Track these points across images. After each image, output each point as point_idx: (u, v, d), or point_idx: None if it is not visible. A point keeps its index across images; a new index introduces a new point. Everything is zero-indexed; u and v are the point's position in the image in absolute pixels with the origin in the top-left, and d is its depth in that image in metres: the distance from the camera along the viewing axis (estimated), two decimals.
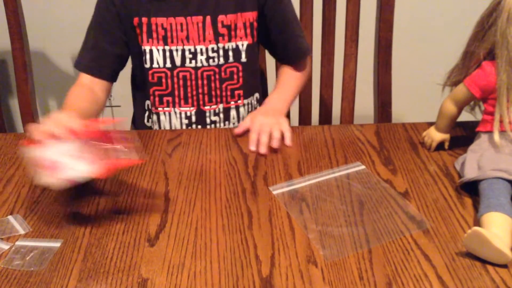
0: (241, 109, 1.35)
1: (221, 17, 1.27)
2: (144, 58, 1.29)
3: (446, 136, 1.13)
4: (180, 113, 1.32)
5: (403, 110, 1.89)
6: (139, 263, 0.88)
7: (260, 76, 1.45)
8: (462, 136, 1.17)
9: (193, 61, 1.28)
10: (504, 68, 0.99)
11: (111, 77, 1.33)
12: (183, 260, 0.88)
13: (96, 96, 1.29)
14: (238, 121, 1.35)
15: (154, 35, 1.27)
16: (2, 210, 1.00)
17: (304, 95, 1.56)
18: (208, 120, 1.33)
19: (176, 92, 1.31)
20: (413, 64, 2.07)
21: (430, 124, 1.16)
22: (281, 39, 1.35)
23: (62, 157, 0.91)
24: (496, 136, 1.00)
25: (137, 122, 1.41)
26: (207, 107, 1.32)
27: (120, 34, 1.29)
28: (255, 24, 1.30)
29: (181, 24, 1.26)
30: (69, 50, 2.09)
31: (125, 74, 1.38)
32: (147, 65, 1.29)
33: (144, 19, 1.26)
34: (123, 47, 1.31)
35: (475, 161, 1.01)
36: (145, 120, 1.38)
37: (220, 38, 1.28)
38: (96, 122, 0.98)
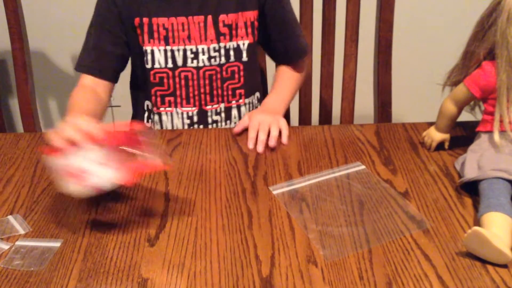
0: (242, 108, 1.35)
1: (222, 17, 1.27)
2: (145, 58, 1.29)
3: (446, 136, 1.13)
4: (182, 113, 1.32)
5: (403, 110, 1.89)
6: (139, 263, 0.88)
7: (260, 75, 1.45)
8: (462, 136, 1.17)
9: (195, 61, 1.28)
10: (504, 68, 0.99)
11: (114, 78, 1.32)
12: (183, 260, 0.88)
13: (99, 97, 1.28)
14: (240, 120, 1.35)
15: (156, 35, 1.26)
16: (2, 210, 1.00)
17: (304, 95, 1.56)
18: (209, 120, 1.33)
19: (178, 92, 1.31)
20: (413, 64, 2.07)
21: (430, 124, 1.16)
22: (281, 38, 1.35)
23: (88, 164, 0.89)
24: (496, 136, 1.00)
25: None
26: (208, 107, 1.32)
27: (121, 35, 1.29)
28: (256, 23, 1.30)
29: (183, 24, 1.26)
30: (69, 50, 2.09)
31: (125, 74, 1.38)
32: (149, 66, 1.29)
33: (145, 19, 1.26)
34: (124, 48, 1.31)
35: (475, 161, 1.01)
36: (145, 121, 1.38)
37: (222, 37, 1.28)
38: (115, 127, 0.97)
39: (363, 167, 1.10)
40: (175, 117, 1.33)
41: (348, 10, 1.49)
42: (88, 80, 1.29)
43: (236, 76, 1.32)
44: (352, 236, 0.92)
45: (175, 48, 1.27)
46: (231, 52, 1.29)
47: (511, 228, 0.87)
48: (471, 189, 0.99)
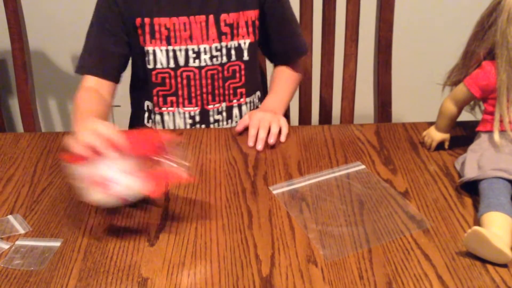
0: (244, 108, 1.35)
1: (223, 16, 1.27)
2: (147, 59, 1.28)
3: (446, 136, 1.13)
4: (184, 113, 1.32)
5: (403, 110, 1.89)
6: (139, 262, 0.88)
7: (260, 75, 1.45)
8: (462, 135, 1.17)
9: (197, 61, 1.28)
10: (504, 68, 0.99)
11: (117, 79, 1.30)
12: (183, 260, 0.88)
13: (104, 99, 1.26)
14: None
15: (157, 35, 1.26)
16: (2, 210, 1.00)
17: (304, 94, 1.56)
18: (211, 119, 1.33)
19: (180, 92, 1.30)
20: (413, 64, 2.07)
21: (430, 124, 1.16)
22: (280, 36, 1.35)
23: (114, 173, 0.88)
24: (496, 135, 1.00)
25: (136, 123, 1.41)
26: (210, 106, 1.32)
27: (123, 35, 1.28)
28: (256, 22, 1.30)
29: (184, 24, 1.26)
30: (69, 50, 2.09)
31: (124, 73, 1.37)
32: (150, 66, 1.29)
33: (147, 20, 1.25)
34: (126, 48, 1.30)
35: (475, 161, 1.01)
36: (145, 121, 1.37)
37: (223, 36, 1.28)
38: (138, 135, 0.94)
39: (363, 167, 1.10)
40: (177, 117, 1.33)
41: (348, 10, 1.49)
42: (91, 82, 1.27)
43: (237, 75, 1.32)
44: (352, 236, 0.92)
45: (177, 48, 1.27)
46: (233, 52, 1.30)
47: (511, 228, 0.87)
48: (471, 189, 0.99)
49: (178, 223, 0.96)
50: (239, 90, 1.33)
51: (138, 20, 1.25)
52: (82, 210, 0.99)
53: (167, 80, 1.29)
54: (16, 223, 0.97)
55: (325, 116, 1.60)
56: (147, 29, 1.26)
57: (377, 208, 0.98)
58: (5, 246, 0.91)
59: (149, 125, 1.37)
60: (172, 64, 1.28)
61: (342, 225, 0.94)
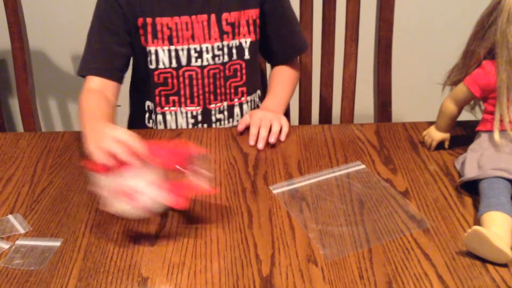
0: (245, 106, 1.35)
1: (225, 15, 1.27)
2: (149, 59, 1.28)
3: (446, 136, 1.13)
4: (186, 113, 1.32)
5: (403, 110, 1.88)
6: (139, 262, 0.88)
7: (260, 75, 1.45)
8: (462, 135, 1.17)
9: (199, 60, 1.28)
10: (504, 68, 0.99)
11: (121, 79, 1.28)
12: (183, 259, 0.88)
13: (109, 100, 1.24)
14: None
15: (159, 35, 1.26)
16: (2, 209, 1.00)
17: (304, 94, 1.56)
18: (213, 118, 1.33)
19: (182, 92, 1.30)
20: (413, 64, 2.07)
21: (430, 123, 1.16)
22: (280, 34, 1.35)
23: (140, 184, 0.87)
24: (496, 135, 1.00)
25: (135, 123, 1.41)
26: (212, 105, 1.32)
27: (125, 35, 1.27)
28: (257, 21, 1.30)
29: (186, 23, 1.26)
30: (69, 50, 2.09)
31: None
32: (152, 66, 1.28)
33: (149, 20, 1.25)
34: (129, 48, 1.29)
35: (475, 161, 1.01)
36: (146, 121, 1.37)
37: (225, 36, 1.28)
38: (166, 145, 0.94)
39: (363, 166, 1.10)
40: (179, 117, 1.33)
41: (348, 10, 1.49)
42: (95, 83, 1.25)
43: (239, 74, 1.32)
44: (352, 236, 0.92)
45: (179, 47, 1.27)
46: (234, 50, 1.30)
47: (511, 228, 0.87)
48: (471, 188, 0.99)
49: (178, 223, 0.96)
50: (240, 89, 1.33)
51: (140, 20, 1.25)
52: (82, 210, 0.99)
53: (169, 80, 1.29)
54: (16, 223, 0.97)
55: (325, 115, 1.60)
56: (149, 29, 1.25)
57: (377, 208, 0.98)
58: (5, 245, 0.91)
59: (150, 125, 1.37)
60: (174, 64, 1.28)
61: (342, 225, 0.94)
